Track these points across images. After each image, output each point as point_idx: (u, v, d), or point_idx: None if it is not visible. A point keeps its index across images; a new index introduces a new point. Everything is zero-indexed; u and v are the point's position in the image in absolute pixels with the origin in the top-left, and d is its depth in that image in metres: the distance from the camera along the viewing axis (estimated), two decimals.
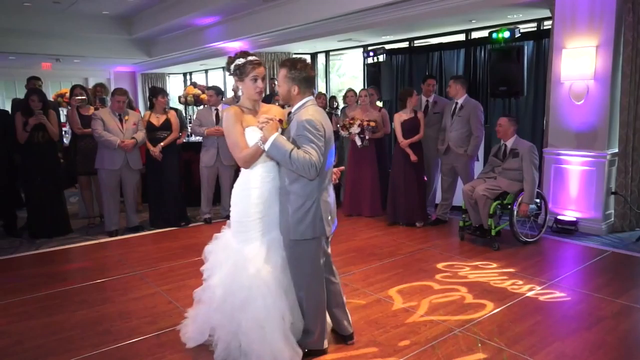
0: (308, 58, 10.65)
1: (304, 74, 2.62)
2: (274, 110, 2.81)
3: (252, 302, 2.59)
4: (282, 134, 2.57)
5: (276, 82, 2.71)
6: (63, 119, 8.70)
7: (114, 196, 5.50)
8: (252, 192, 2.69)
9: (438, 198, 6.15)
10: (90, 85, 12.99)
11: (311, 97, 2.69)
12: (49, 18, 10.57)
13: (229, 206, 6.58)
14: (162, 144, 5.62)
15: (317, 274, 2.73)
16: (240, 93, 2.75)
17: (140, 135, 5.48)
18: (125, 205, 5.71)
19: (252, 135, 2.64)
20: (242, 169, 2.74)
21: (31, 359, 2.88)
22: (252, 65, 2.65)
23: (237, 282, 2.65)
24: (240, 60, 2.66)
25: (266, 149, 2.52)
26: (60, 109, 8.51)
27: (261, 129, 2.53)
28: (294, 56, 2.98)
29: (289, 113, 2.75)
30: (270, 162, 2.70)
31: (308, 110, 2.59)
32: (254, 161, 2.65)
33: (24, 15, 10.13)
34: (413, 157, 5.57)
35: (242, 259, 2.67)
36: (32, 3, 9.64)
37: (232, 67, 2.70)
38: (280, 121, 2.63)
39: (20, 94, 11.68)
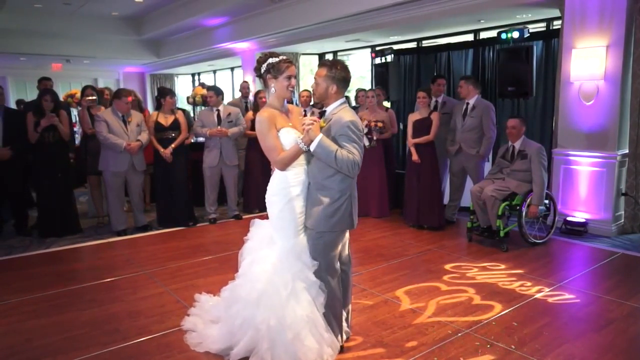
0: (316, 58, 10.67)
1: (343, 74, 2.72)
2: (296, 110, 2.91)
3: (300, 294, 2.64)
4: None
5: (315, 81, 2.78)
6: (73, 119, 8.78)
7: (120, 197, 5.51)
8: (292, 190, 2.74)
9: (446, 199, 6.11)
10: (100, 85, 13.15)
11: (344, 99, 2.79)
12: (59, 19, 10.68)
13: (235, 206, 6.58)
14: (173, 145, 5.63)
15: (336, 267, 2.80)
16: (272, 91, 2.76)
17: (145, 136, 5.49)
18: (131, 206, 5.73)
19: (286, 137, 2.70)
20: (276, 171, 2.79)
21: (40, 356, 2.90)
22: (286, 64, 2.71)
23: (283, 275, 2.66)
24: (274, 59, 2.71)
25: (312, 150, 2.60)
26: (70, 109, 8.60)
27: (307, 130, 2.58)
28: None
29: (323, 112, 2.82)
30: (304, 161, 2.78)
31: (347, 112, 2.70)
32: (292, 163, 2.71)
33: (35, 16, 10.24)
34: (414, 157, 5.54)
35: (288, 252, 2.71)
36: (43, 4, 9.73)
37: (264, 66, 2.73)
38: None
39: (31, 94, 11.83)
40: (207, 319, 3.11)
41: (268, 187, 2.84)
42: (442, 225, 5.62)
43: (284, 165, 2.70)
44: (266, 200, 2.85)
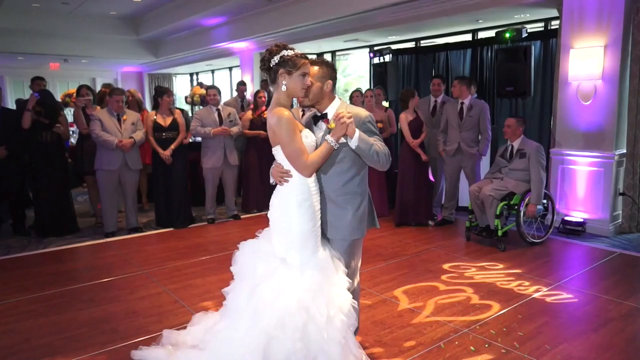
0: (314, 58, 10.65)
1: (334, 70, 2.62)
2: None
3: (335, 316, 2.38)
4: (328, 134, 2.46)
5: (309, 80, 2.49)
6: (70, 118, 8.78)
7: (112, 197, 5.46)
8: (313, 199, 2.46)
9: (444, 199, 6.12)
10: (98, 85, 13.13)
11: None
12: (58, 19, 10.66)
13: (234, 206, 6.48)
14: (172, 146, 5.59)
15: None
16: (284, 88, 2.40)
17: (139, 134, 5.45)
18: (125, 206, 5.65)
19: (309, 139, 2.46)
20: (293, 179, 2.44)
21: (39, 357, 2.90)
22: (302, 60, 2.40)
23: (316, 301, 2.36)
24: (289, 52, 2.39)
25: (354, 146, 2.40)
26: (68, 109, 8.60)
27: (348, 125, 2.34)
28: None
29: (321, 114, 2.59)
30: None
31: (357, 108, 2.58)
32: (319, 166, 2.45)
33: (33, 15, 10.22)
34: (424, 157, 5.61)
35: (315, 273, 2.41)
36: (41, 4, 9.72)
37: (277, 57, 2.39)
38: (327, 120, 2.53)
39: (29, 94, 11.78)
40: None
41: (282, 198, 2.47)
42: (428, 220, 5.77)
43: (313, 169, 2.40)
44: (278, 213, 2.48)
